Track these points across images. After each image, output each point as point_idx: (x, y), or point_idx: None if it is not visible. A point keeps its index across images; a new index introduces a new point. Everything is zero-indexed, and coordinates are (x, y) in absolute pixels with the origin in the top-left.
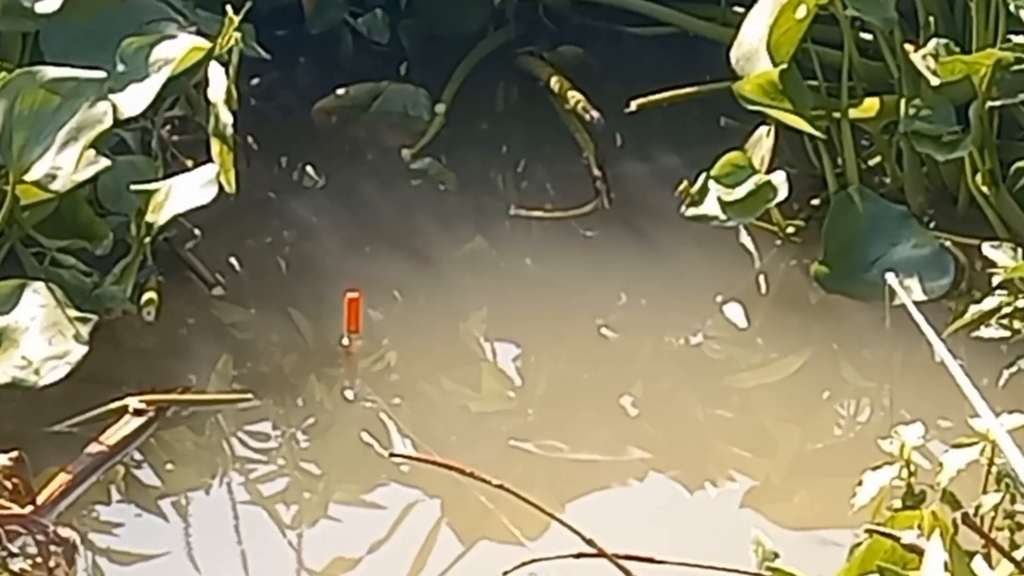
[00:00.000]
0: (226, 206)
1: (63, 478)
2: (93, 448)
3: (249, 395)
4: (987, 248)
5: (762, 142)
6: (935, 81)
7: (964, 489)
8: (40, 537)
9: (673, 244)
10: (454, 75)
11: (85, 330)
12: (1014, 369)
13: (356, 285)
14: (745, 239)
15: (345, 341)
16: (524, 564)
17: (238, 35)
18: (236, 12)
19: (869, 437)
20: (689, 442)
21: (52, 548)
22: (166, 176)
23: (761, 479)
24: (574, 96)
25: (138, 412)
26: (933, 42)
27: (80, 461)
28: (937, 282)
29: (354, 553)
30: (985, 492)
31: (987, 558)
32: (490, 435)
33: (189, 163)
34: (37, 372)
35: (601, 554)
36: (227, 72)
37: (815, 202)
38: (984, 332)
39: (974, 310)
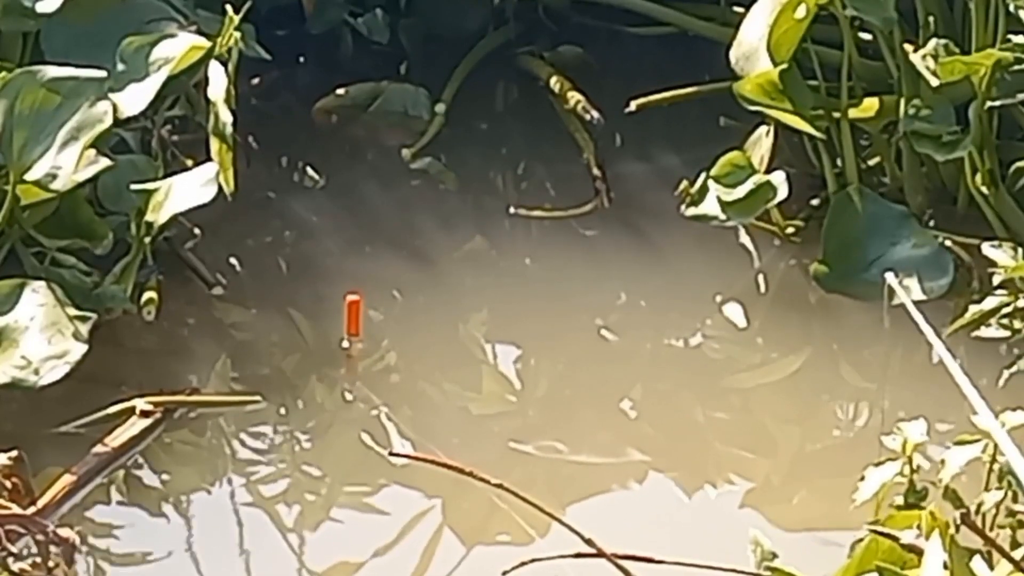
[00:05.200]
0: (226, 206)
1: (67, 479)
2: (98, 449)
3: (257, 397)
4: (987, 248)
5: (762, 142)
6: (935, 81)
7: (965, 488)
8: (39, 537)
9: (673, 244)
10: (454, 75)
11: (85, 329)
12: (1014, 369)
13: (356, 285)
14: (745, 239)
15: (345, 344)
16: (523, 564)
17: (238, 35)
18: (236, 12)
19: (868, 437)
20: (689, 443)
21: (51, 548)
22: (166, 176)
23: (761, 479)
24: (574, 96)
25: (145, 414)
26: (933, 42)
27: (85, 462)
28: (937, 282)
29: (355, 554)
30: (987, 490)
31: (988, 557)
32: (490, 436)
33: (189, 163)
34: (37, 372)
35: (600, 554)
36: (227, 72)
37: (815, 202)
38: (984, 332)
39: (974, 310)
